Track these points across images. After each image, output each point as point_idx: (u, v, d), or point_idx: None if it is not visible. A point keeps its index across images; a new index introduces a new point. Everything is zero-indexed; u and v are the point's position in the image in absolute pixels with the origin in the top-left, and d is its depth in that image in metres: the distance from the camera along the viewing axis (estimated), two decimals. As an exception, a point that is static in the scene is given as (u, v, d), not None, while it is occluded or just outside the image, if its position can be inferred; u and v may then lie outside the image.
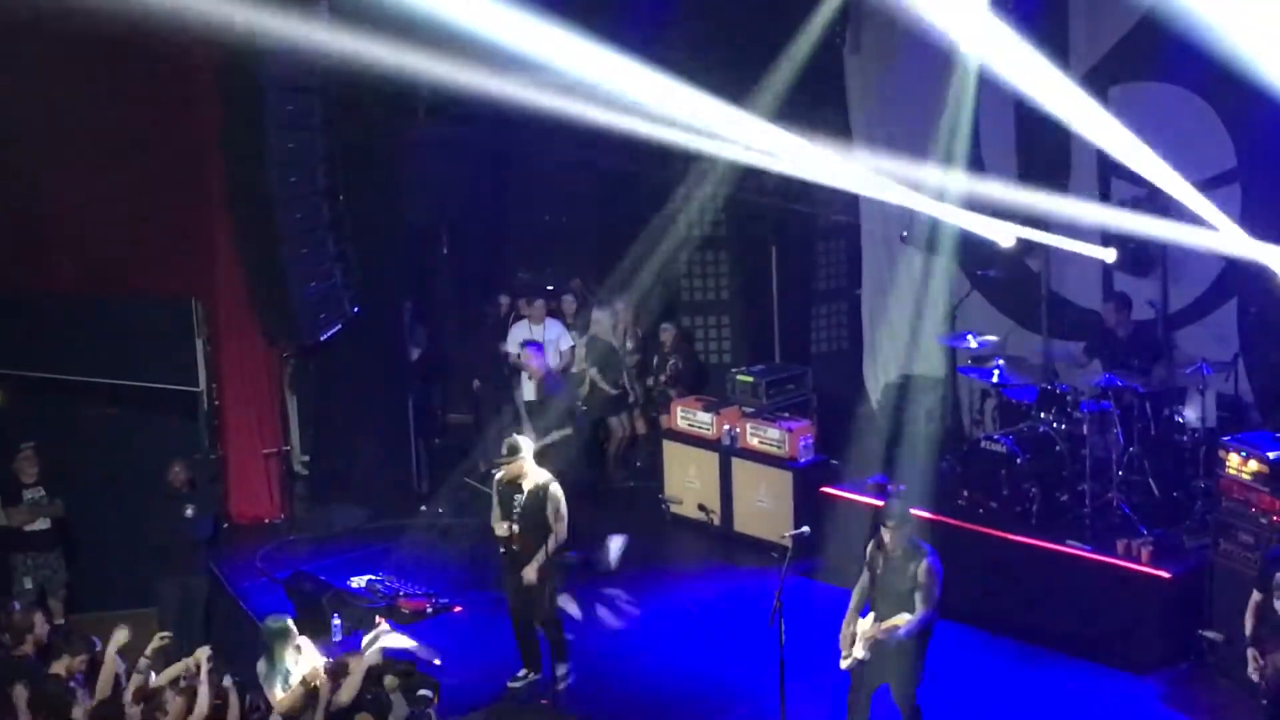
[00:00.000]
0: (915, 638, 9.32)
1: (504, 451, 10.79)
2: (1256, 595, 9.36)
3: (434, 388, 15.19)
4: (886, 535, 9.43)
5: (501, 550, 10.81)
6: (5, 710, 9.04)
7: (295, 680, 9.15)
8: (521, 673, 11.02)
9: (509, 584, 10.84)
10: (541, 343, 13.84)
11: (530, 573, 10.57)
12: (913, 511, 9.79)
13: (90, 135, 13.33)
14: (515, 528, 10.63)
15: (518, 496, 10.65)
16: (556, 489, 10.68)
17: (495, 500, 10.82)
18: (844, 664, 9.53)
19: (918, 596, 9.28)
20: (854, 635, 9.49)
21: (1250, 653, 9.33)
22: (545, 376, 13.36)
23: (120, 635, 9.41)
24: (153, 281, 13.73)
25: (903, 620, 9.26)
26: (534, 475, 10.70)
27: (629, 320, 14.94)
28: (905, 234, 14.20)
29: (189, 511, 12.02)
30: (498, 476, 10.82)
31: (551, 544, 10.59)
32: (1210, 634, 10.61)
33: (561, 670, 10.94)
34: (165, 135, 13.53)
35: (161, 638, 9.63)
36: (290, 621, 9.48)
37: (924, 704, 9.53)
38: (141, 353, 13.70)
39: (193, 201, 13.76)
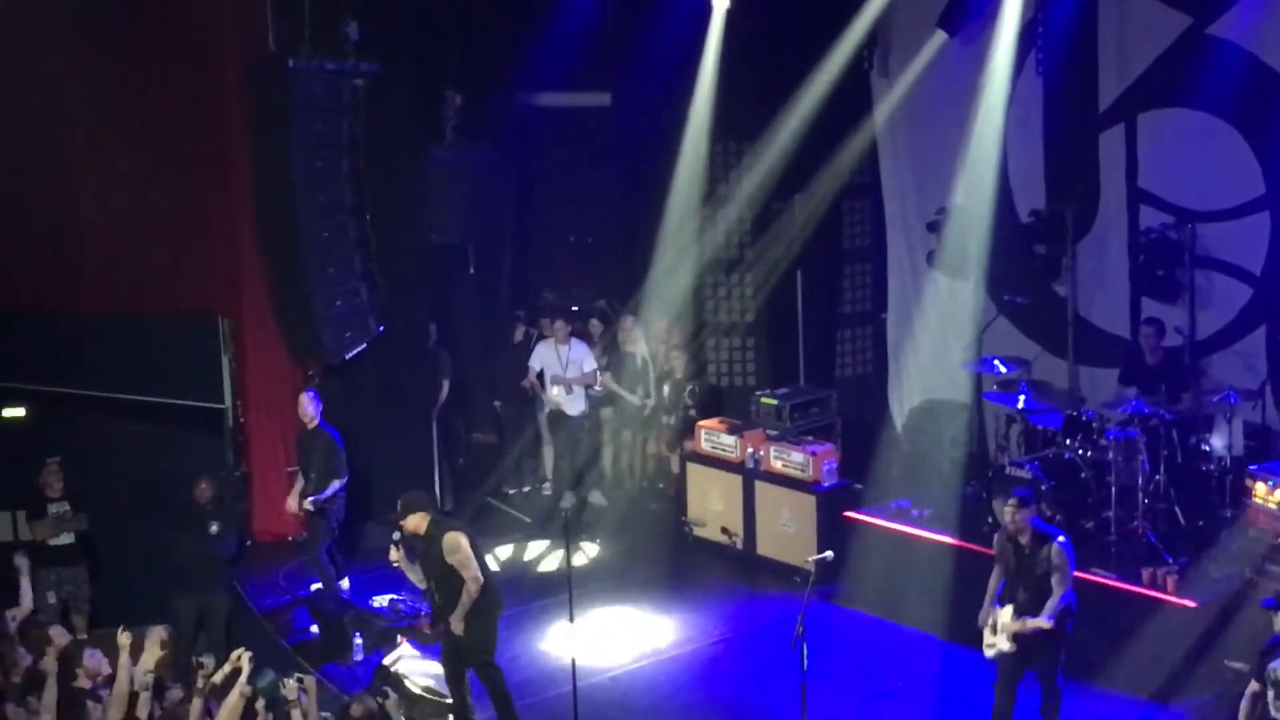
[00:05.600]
0: (1057, 620, 9.61)
1: (398, 508, 10.41)
2: (1254, 685, 8.99)
3: (457, 407, 15.19)
4: (1007, 515, 9.78)
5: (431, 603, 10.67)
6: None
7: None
8: None
9: (441, 633, 10.62)
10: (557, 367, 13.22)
11: (455, 624, 10.35)
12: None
13: (118, 155, 13.41)
14: (431, 583, 10.45)
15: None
16: (452, 538, 10.26)
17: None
18: (989, 654, 9.91)
19: (1054, 580, 9.65)
20: (994, 625, 9.85)
21: None
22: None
23: (124, 640, 9.42)
24: (179, 299, 13.77)
25: (1042, 615, 9.58)
26: (432, 528, 10.36)
27: (675, 340, 14.90)
28: (931, 258, 14.18)
29: (213, 528, 12.01)
30: (396, 536, 10.42)
31: (465, 598, 10.26)
32: (1236, 664, 10.48)
33: None
34: (193, 154, 13.60)
35: (162, 644, 9.62)
36: (272, 676, 9.41)
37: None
38: (167, 369, 13.72)
39: (219, 219, 13.81)
